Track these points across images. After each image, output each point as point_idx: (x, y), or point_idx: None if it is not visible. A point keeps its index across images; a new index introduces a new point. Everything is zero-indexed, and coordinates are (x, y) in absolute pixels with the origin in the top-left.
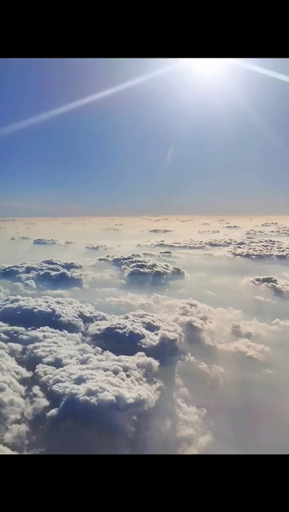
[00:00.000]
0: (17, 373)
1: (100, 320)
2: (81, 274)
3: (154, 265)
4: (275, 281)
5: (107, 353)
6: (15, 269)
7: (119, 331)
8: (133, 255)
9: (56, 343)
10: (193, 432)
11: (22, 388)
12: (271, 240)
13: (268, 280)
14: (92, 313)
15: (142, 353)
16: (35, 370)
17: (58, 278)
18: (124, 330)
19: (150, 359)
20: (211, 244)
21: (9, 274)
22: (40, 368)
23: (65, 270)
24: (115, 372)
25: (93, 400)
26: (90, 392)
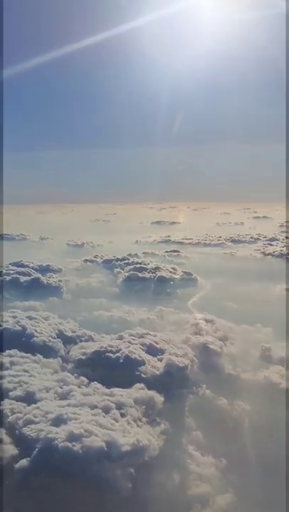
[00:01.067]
0: None
1: (86, 341)
2: (60, 281)
3: (158, 268)
4: None
5: (95, 384)
6: None
7: (111, 355)
8: (130, 255)
9: (27, 371)
10: (209, 489)
11: None
12: None
13: None
14: (74, 331)
15: (142, 385)
16: (0, 408)
17: (30, 285)
18: (117, 354)
19: (152, 392)
20: (233, 241)
21: None
22: (6, 405)
23: (39, 275)
24: (106, 410)
25: (77, 447)
26: (73, 437)
